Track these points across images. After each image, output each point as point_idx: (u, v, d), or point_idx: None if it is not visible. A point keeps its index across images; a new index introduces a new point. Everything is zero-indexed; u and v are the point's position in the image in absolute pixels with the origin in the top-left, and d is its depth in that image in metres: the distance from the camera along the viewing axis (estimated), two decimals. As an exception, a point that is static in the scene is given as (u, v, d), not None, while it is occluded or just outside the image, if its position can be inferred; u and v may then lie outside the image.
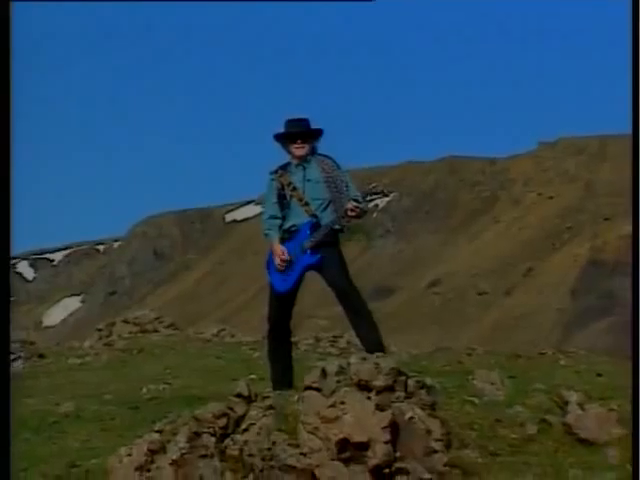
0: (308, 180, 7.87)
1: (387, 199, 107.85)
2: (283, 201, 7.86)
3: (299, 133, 7.94)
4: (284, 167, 7.97)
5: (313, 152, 7.99)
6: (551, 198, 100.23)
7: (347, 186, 7.91)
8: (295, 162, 7.94)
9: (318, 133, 8.06)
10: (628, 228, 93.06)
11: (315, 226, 7.78)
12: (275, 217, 7.92)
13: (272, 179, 7.97)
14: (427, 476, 6.22)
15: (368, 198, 9.05)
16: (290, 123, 7.98)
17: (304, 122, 8.02)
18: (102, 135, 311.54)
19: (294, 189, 7.84)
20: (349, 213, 7.76)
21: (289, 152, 7.97)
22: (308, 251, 7.75)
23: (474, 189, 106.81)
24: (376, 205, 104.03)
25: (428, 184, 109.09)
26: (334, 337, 16.51)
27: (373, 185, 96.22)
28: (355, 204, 7.77)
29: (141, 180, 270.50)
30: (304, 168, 7.91)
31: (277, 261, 7.77)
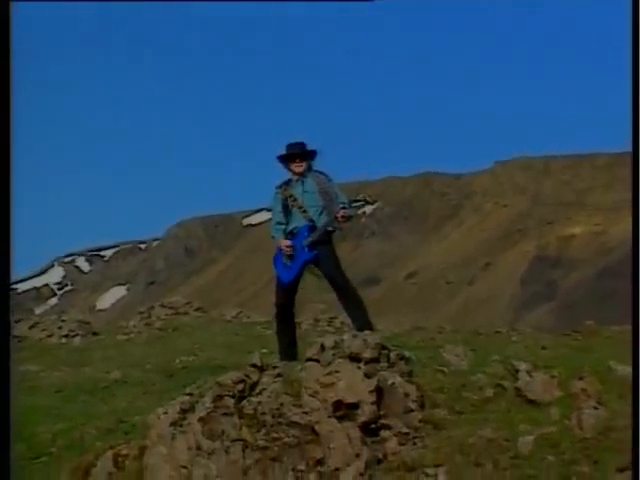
0: (305, 191, 7.90)
1: (372, 207, 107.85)
2: (287, 210, 7.89)
3: (298, 154, 7.97)
4: (287, 183, 8.01)
5: (309, 169, 8.01)
6: (505, 206, 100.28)
7: (337, 195, 7.95)
8: (295, 178, 7.97)
9: (313, 154, 8.08)
10: (567, 230, 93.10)
11: (312, 228, 7.82)
12: (281, 223, 7.97)
13: (277, 192, 8.00)
14: (405, 430, 6.22)
15: (354, 205, 9.12)
16: (290, 146, 8.01)
17: (301, 145, 8.03)
18: (146, 154, 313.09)
19: (294, 200, 7.87)
20: (339, 218, 7.79)
21: (289, 169, 8.01)
22: (306, 249, 7.77)
23: (443, 199, 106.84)
24: (364, 212, 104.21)
25: (406, 195, 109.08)
26: (330, 318, 16.47)
27: (362, 195, 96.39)
28: (343, 211, 7.83)
29: (175, 191, 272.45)
30: (302, 182, 7.94)
31: (284, 247, 7.82)
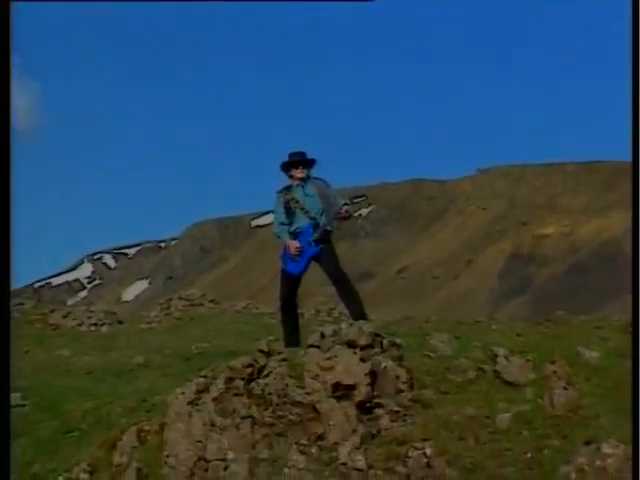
0: (307, 195, 7.89)
1: (367, 210, 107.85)
2: (289, 211, 7.88)
3: (299, 161, 7.96)
4: (287, 188, 7.99)
5: (309, 176, 8.00)
6: (485, 209, 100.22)
7: (335, 199, 7.97)
8: (296, 183, 7.95)
9: (312, 162, 8.06)
10: (540, 230, 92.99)
11: (316, 226, 7.80)
12: (284, 224, 7.95)
13: (279, 196, 7.99)
14: (396, 408, 6.20)
15: (352, 204, 9.21)
16: (292, 154, 8.01)
17: (302, 154, 8.03)
18: (166, 163, 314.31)
19: (297, 202, 7.86)
20: (343, 213, 7.83)
21: (291, 176, 7.98)
22: (313, 244, 7.78)
23: (430, 202, 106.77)
24: (360, 214, 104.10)
25: (398, 199, 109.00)
26: (329, 309, 16.41)
27: (359, 198, 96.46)
28: (346, 207, 7.91)
29: (191, 196, 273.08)
30: (303, 187, 7.93)
31: (293, 250, 7.80)
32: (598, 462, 5.43)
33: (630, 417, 5.81)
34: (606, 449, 5.47)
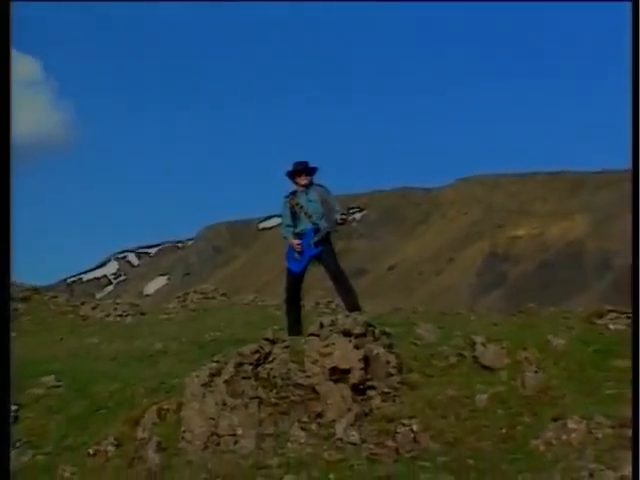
0: (310, 200, 7.86)
1: (361, 214, 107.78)
2: (294, 215, 7.85)
3: (303, 169, 7.94)
4: (293, 193, 7.96)
5: (311, 182, 7.97)
6: (465, 214, 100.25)
7: (334, 204, 7.96)
8: (300, 189, 7.92)
9: (314, 170, 8.05)
10: (513, 232, 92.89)
11: (316, 230, 7.78)
12: (289, 226, 7.92)
13: (285, 201, 7.96)
14: (387, 390, 6.19)
15: (349, 211, 9.21)
16: (296, 164, 7.99)
17: (305, 163, 8.01)
18: (182, 172, 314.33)
19: (301, 207, 7.83)
20: (338, 221, 7.81)
21: (295, 183, 7.96)
22: (313, 246, 7.76)
23: (417, 208, 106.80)
24: (354, 218, 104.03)
25: (388, 204, 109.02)
26: (328, 302, 16.32)
27: (354, 205, 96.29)
28: (343, 216, 7.91)
29: (205, 201, 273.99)
30: (306, 193, 7.90)
31: (296, 247, 7.79)
32: (564, 436, 5.43)
33: (591, 397, 5.82)
34: (571, 425, 5.47)
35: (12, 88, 5.52)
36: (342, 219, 7.88)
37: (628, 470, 4.71)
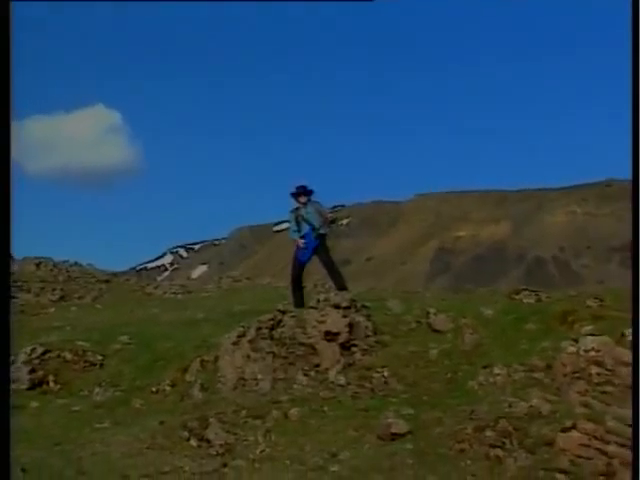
0: (308, 213, 7.89)
1: (346, 220, 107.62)
2: (298, 223, 7.89)
3: (302, 192, 7.98)
4: (297, 208, 7.99)
5: (309, 200, 8.00)
6: (422, 220, 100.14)
7: (326, 213, 8.05)
8: (301, 205, 7.94)
9: (311, 192, 8.06)
10: (456, 233, 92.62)
11: (313, 230, 7.82)
12: (295, 230, 7.95)
13: (291, 213, 8.01)
14: (365, 347, 6.18)
15: (337, 219, 9.28)
16: (298, 188, 8.01)
17: (304, 187, 8.02)
18: (217, 184, 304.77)
19: (302, 217, 7.87)
20: (329, 218, 7.91)
21: (297, 201, 7.99)
22: (313, 240, 7.79)
23: (388, 216, 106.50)
24: (342, 223, 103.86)
25: (366, 213, 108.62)
26: (323, 284, 16.24)
27: (341, 215, 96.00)
28: (331, 215, 7.95)
29: (234, 209, 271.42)
30: (306, 207, 7.92)
31: (300, 244, 7.82)
32: (491, 379, 5.44)
33: (510, 350, 5.81)
34: (496, 370, 5.48)
35: (11, 89, 4.16)
36: (332, 218, 7.96)
37: (535, 402, 4.72)
